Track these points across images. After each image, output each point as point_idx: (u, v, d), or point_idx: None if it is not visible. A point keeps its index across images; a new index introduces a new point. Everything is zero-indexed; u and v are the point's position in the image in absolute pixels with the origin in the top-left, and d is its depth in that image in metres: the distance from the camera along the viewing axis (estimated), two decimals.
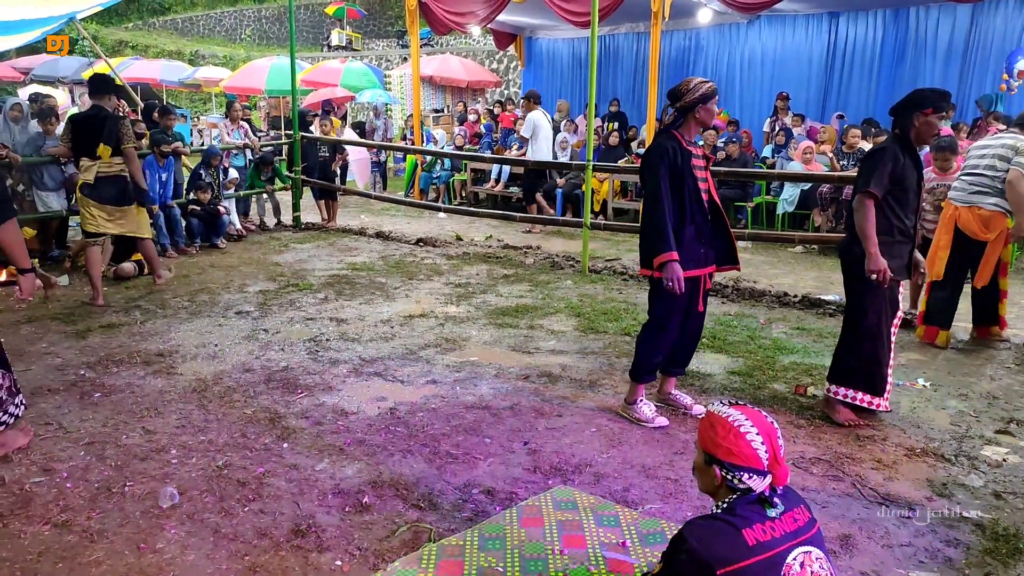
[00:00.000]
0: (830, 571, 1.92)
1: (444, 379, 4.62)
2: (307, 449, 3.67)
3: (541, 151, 9.79)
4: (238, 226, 9.15)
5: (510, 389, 4.48)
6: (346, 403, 4.23)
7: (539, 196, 10.43)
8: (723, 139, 10.89)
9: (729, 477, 1.92)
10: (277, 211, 9.96)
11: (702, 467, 2.00)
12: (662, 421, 4.00)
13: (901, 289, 4.06)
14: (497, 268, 7.67)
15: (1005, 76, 9.70)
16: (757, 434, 1.91)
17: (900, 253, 3.90)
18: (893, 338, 4.06)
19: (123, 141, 5.94)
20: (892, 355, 4.07)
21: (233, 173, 9.37)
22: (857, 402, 4.04)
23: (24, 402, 3.66)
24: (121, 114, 6.89)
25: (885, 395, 4.05)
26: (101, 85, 6.15)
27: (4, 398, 3.47)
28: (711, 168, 4.09)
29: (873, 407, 4.05)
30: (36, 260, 7.02)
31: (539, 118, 9.81)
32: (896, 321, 4.07)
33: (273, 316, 5.85)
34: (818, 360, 5.04)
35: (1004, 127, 9.12)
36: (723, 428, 1.94)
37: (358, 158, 13.26)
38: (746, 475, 1.90)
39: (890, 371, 4.07)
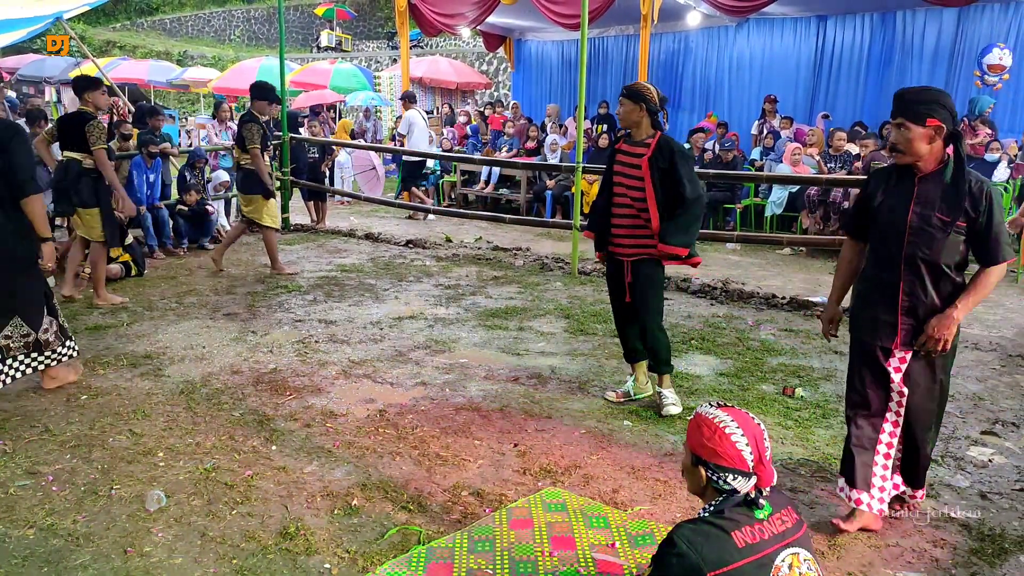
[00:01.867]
0: (818, 572, 1.93)
1: (433, 381, 4.61)
2: (296, 451, 3.66)
3: (418, 147, 10.98)
4: (228, 227, 9.11)
5: (499, 391, 4.48)
6: (335, 405, 4.22)
7: (415, 188, 11.35)
8: (711, 141, 10.95)
9: (714, 478, 1.93)
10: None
11: (689, 468, 2.01)
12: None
13: (895, 365, 2.94)
14: (487, 270, 7.67)
15: (976, 72, 9.80)
16: (742, 435, 1.92)
17: (874, 307, 3.00)
18: (867, 429, 3.01)
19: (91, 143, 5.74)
20: (877, 450, 3.01)
21: (224, 176, 9.33)
22: (838, 491, 3.14)
23: (75, 347, 4.40)
24: (116, 112, 6.85)
25: (867, 490, 3.00)
26: (83, 84, 6.02)
27: (52, 340, 4.21)
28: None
29: (846, 499, 3.07)
30: None
31: (415, 117, 11.01)
32: (870, 413, 3.02)
33: (261, 318, 5.83)
34: (806, 362, 5.07)
35: (991, 131, 9.23)
36: (709, 429, 1.95)
37: (363, 171, 13.03)
38: (731, 476, 1.91)
39: (878, 468, 3.01)
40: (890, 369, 2.93)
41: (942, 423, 3.16)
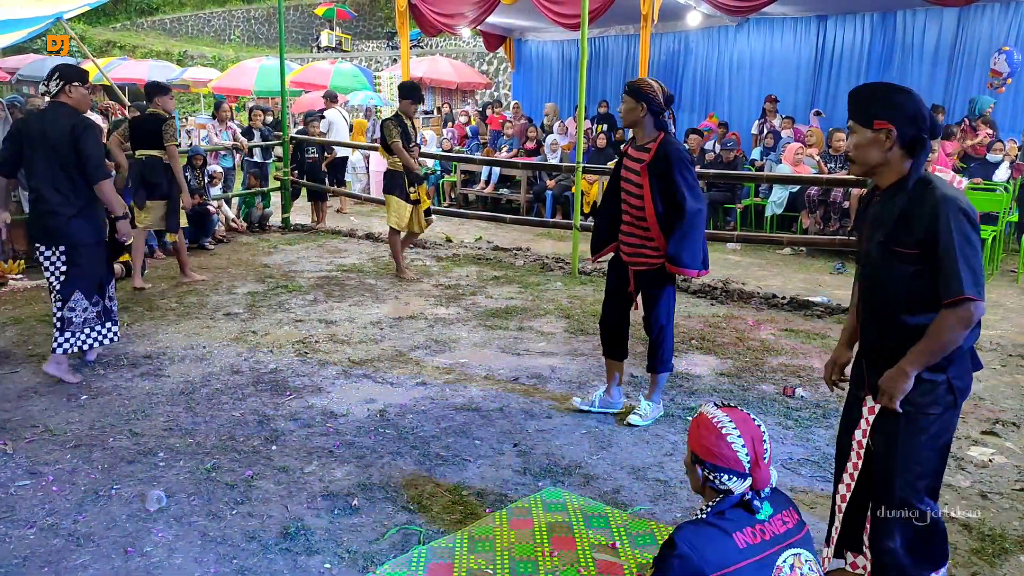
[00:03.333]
0: (819, 573, 1.93)
1: (434, 381, 4.61)
2: (296, 451, 3.66)
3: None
4: (231, 215, 9.19)
5: (500, 391, 4.48)
6: (335, 405, 4.22)
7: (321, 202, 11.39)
8: (712, 141, 10.94)
9: (710, 477, 1.93)
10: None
11: (690, 466, 2.02)
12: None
13: (864, 415, 2.43)
14: (487, 270, 7.67)
15: (991, 74, 9.81)
16: (739, 436, 1.91)
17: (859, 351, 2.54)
18: (845, 491, 2.52)
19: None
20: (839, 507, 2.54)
21: (217, 167, 9.29)
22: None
23: (116, 331, 4.82)
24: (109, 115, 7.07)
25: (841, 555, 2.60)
26: (154, 90, 6.76)
27: (100, 314, 4.66)
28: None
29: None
30: (22, 262, 7.02)
31: (335, 116, 11.57)
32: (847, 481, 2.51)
33: (262, 318, 5.83)
34: (806, 362, 5.06)
35: (991, 131, 9.23)
36: (707, 429, 1.95)
37: (377, 170, 12.95)
38: (725, 476, 1.91)
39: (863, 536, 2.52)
40: (861, 419, 2.43)
41: (914, 499, 2.33)
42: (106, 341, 4.73)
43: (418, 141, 7.35)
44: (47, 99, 4.61)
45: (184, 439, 3.76)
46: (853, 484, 2.46)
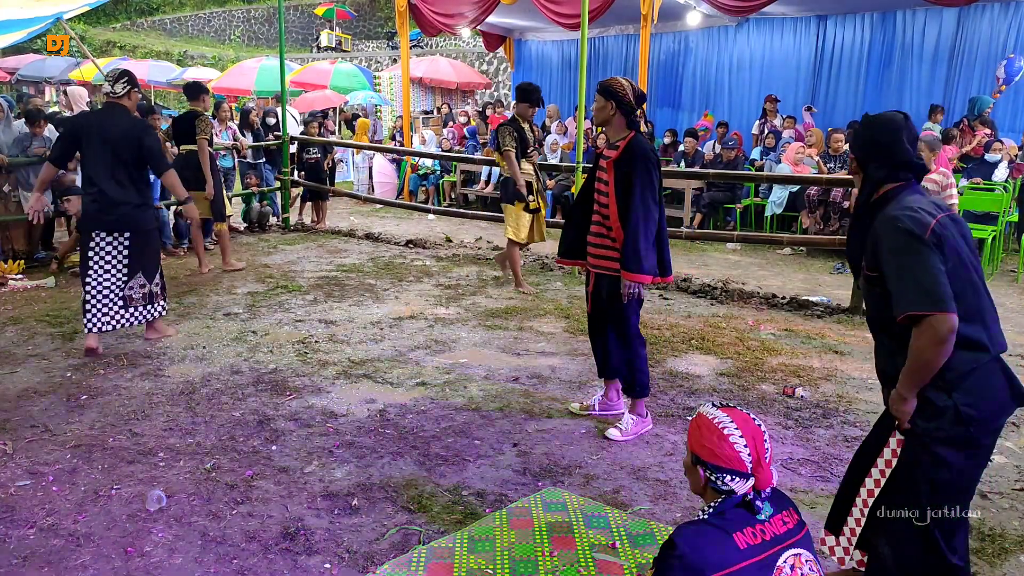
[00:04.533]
0: (819, 573, 1.93)
1: (434, 381, 4.61)
2: (296, 451, 3.66)
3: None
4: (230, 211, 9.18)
5: (500, 391, 4.48)
6: (335, 405, 4.22)
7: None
8: (711, 140, 10.94)
9: (712, 478, 1.92)
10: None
11: (690, 467, 2.01)
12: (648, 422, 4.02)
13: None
14: (487, 270, 7.67)
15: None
16: (740, 436, 1.91)
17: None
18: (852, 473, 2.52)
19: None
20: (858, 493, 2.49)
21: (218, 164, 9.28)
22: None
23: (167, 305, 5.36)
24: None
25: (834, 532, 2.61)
26: (195, 90, 7.42)
27: (158, 293, 5.18)
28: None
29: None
30: (22, 262, 7.02)
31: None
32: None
33: (262, 318, 5.83)
34: (806, 362, 5.06)
35: (990, 131, 9.23)
36: (708, 430, 1.94)
37: (382, 178, 12.98)
38: (728, 477, 1.90)
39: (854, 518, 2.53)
40: (891, 439, 2.33)
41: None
42: (150, 317, 5.20)
43: (537, 144, 6.87)
44: (106, 98, 4.98)
45: (184, 439, 3.76)
46: (877, 491, 2.37)
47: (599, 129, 11.40)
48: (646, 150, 3.73)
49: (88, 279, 4.90)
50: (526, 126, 6.59)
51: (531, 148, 6.61)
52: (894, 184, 2.28)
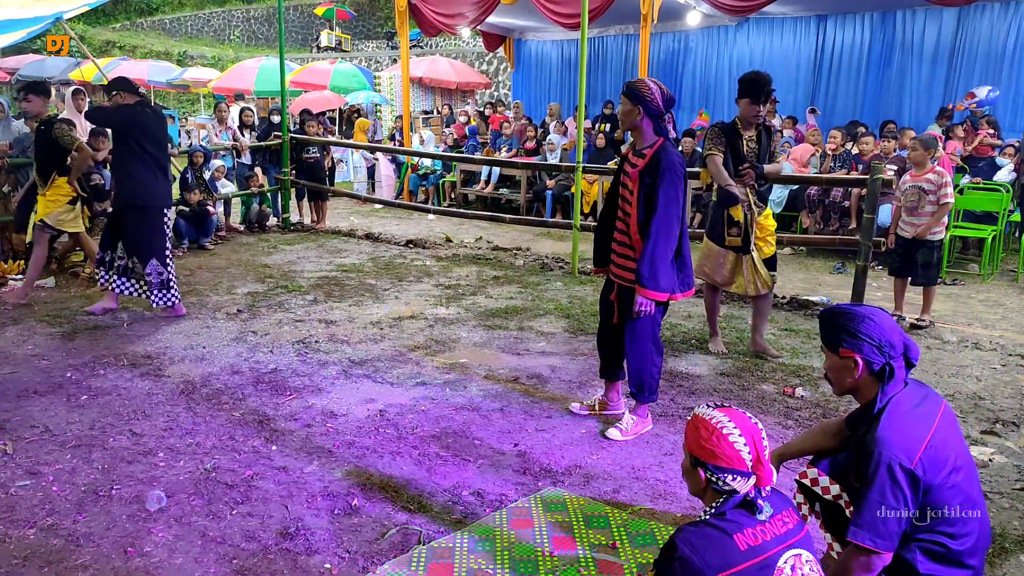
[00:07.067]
0: (820, 573, 1.93)
1: (433, 381, 4.61)
2: (296, 451, 3.66)
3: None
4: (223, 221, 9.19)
5: (500, 391, 4.48)
6: (335, 405, 4.22)
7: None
8: None
9: (714, 479, 1.92)
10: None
11: (689, 469, 2.01)
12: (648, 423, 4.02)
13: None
14: (487, 270, 7.67)
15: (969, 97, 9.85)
16: (740, 435, 1.91)
17: None
18: None
19: None
20: None
21: (218, 162, 9.27)
22: None
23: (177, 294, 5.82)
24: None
25: None
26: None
27: (153, 282, 5.61)
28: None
29: None
30: (22, 262, 7.01)
31: (235, 112, 11.07)
32: None
33: (262, 318, 5.83)
34: (806, 361, 5.06)
35: (993, 130, 9.22)
36: (706, 430, 1.94)
37: (388, 181, 12.97)
38: (729, 477, 1.90)
39: None
40: None
41: None
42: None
43: (767, 156, 5.09)
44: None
45: (184, 439, 3.76)
46: None
47: (601, 128, 11.46)
48: (674, 162, 3.54)
49: (168, 254, 5.68)
50: (748, 134, 5.04)
51: (745, 166, 4.90)
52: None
